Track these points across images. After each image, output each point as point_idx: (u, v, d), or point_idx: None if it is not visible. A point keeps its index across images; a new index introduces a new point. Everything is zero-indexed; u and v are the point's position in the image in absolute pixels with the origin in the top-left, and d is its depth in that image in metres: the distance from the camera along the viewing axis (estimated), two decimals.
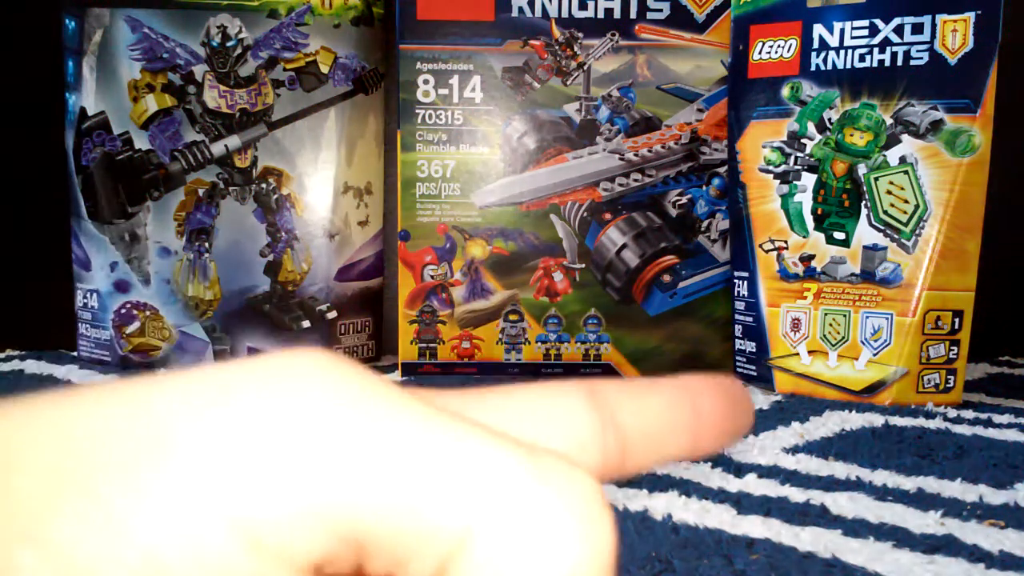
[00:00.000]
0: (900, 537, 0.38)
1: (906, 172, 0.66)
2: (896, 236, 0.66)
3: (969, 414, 0.64)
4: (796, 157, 0.70)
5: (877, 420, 0.61)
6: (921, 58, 0.65)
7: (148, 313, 0.78)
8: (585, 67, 0.76)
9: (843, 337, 0.68)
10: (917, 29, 0.65)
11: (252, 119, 0.77)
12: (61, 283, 0.84)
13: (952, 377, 0.65)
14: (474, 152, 0.76)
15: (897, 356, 0.66)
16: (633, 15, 0.75)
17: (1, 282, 0.90)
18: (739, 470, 0.48)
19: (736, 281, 0.75)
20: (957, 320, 0.65)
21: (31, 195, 0.89)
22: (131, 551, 0.10)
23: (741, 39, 0.72)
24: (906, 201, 0.66)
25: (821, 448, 0.54)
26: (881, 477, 0.48)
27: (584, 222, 0.77)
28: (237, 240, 0.78)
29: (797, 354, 0.70)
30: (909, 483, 0.47)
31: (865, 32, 0.66)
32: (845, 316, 0.68)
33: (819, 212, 0.69)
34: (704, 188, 0.77)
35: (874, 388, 0.67)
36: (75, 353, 0.84)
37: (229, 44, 0.76)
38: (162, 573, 0.10)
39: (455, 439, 0.12)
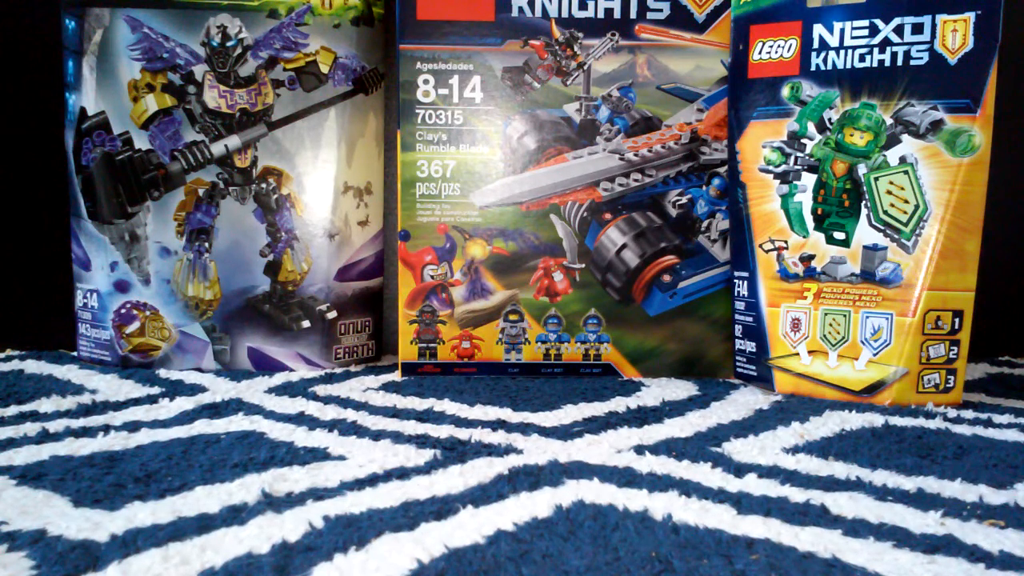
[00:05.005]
0: (900, 537, 0.39)
1: (906, 172, 0.66)
2: (896, 236, 0.66)
3: (969, 414, 0.64)
4: (796, 157, 0.70)
5: (877, 420, 0.61)
6: (921, 58, 0.65)
7: (148, 313, 0.78)
8: (585, 67, 0.76)
9: (843, 337, 0.68)
10: (917, 29, 0.65)
11: (252, 119, 0.77)
12: (61, 283, 0.84)
13: (952, 377, 0.65)
14: (474, 152, 0.76)
15: (897, 356, 0.66)
16: (633, 15, 0.75)
17: (1, 282, 0.90)
18: (739, 470, 0.48)
19: (736, 281, 0.75)
20: (957, 320, 0.65)
21: (31, 195, 0.89)
22: None
23: (741, 39, 0.72)
24: (906, 201, 0.66)
25: (821, 448, 0.54)
26: (881, 477, 0.48)
27: (584, 222, 0.77)
28: (237, 240, 0.78)
29: (797, 354, 0.70)
30: (909, 483, 0.47)
31: (865, 32, 0.66)
32: (845, 316, 0.68)
33: (819, 212, 0.69)
34: (704, 188, 0.77)
35: (874, 388, 0.67)
36: (75, 353, 0.84)
37: (229, 44, 0.76)
38: None
39: None
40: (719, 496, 0.44)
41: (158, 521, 0.40)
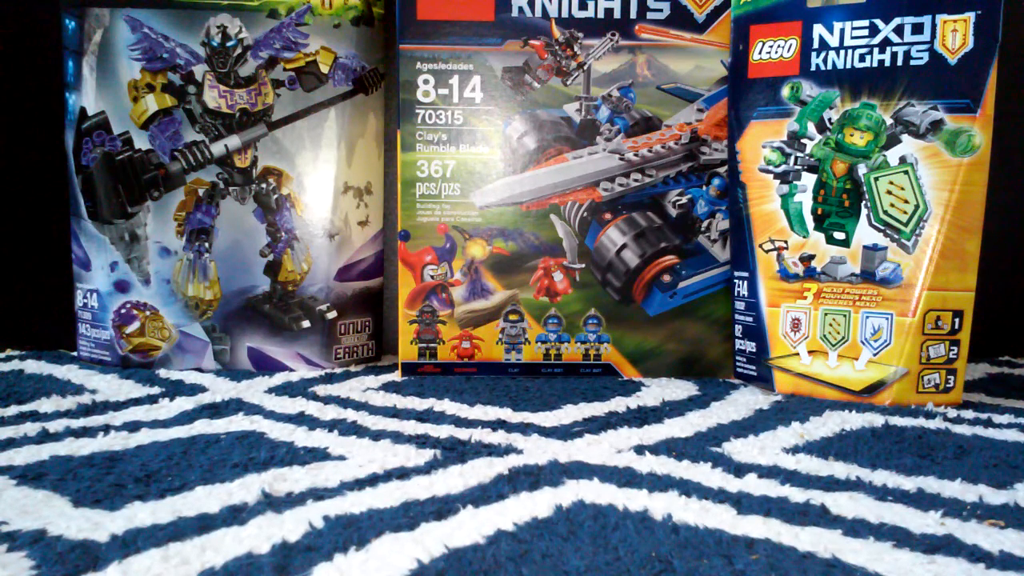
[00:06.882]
0: (900, 537, 0.38)
1: (906, 172, 0.66)
2: (896, 236, 0.66)
3: (969, 414, 0.64)
4: (796, 157, 0.70)
5: (877, 420, 0.61)
6: (921, 58, 0.65)
7: (148, 313, 0.78)
8: (585, 67, 0.76)
9: (843, 337, 0.68)
10: (917, 29, 0.65)
11: (252, 119, 0.77)
12: (61, 283, 0.84)
13: (952, 377, 0.65)
14: (474, 152, 0.76)
15: (897, 356, 0.66)
16: (633, 15, 0.75)
17: (1, 282, 0.90)
18: (739, 470, 0.48)
19: (736, 281, 0.75)
20: (957, 320, 0.65)
21: (31, 195, 0.89)
22: None
23: (741, 39, 0.72)
24: (906, 201, 0.66)
25: (821, 448, 0.54)
26: (881, 477, 0.48)
27: (584, 222, 0.77)
28: (237, 240, 0.78)
29: (797, 354, 0.70)
30: (909, 483, 0.47)
31: (865, 32, 0.66)
32: (845, 316, 0.68)
33: (819, 212, 0.69)
34: (704, 188, 0.77)
35: (874, 388, 0.67)
36: (75, 353, 0.83)
37: (229, 44, 0.76)
38: None
39: None
40: (719, 496, 0.44)
41: (158, 521, 0.40)
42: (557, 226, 0.77)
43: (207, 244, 0.77)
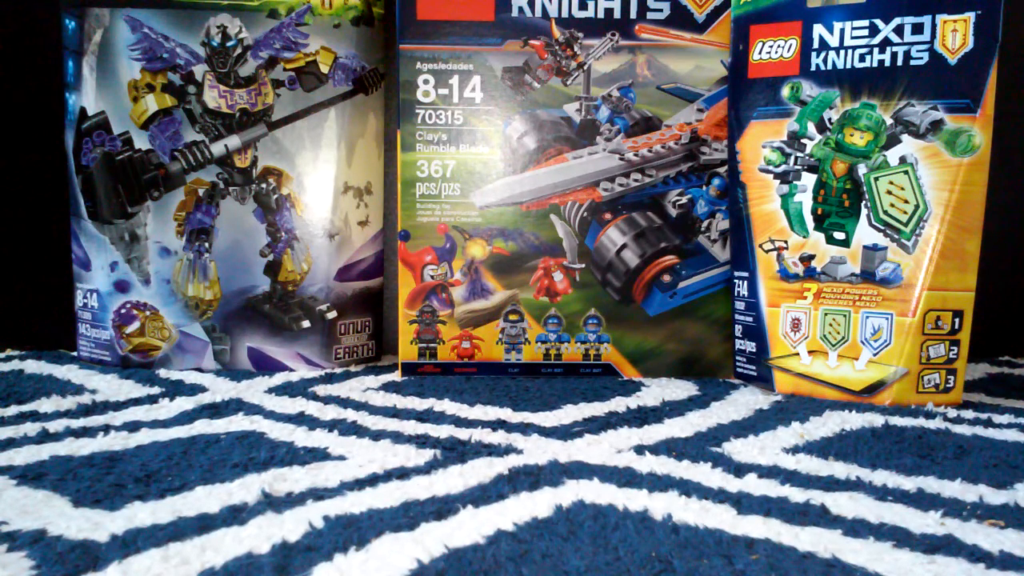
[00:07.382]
0: (900, 537, 0.38)
1: (906, 172, 0.66)
2: (896, 236, 0.66)
3: (969, 414, 0.64)
4: (796, 157, 0.70)
5: (877, 420, 0.61)
6: (921, 58, 0.65)
7: (148, 313, 0.78)
8: (585, 67, 0.76)
9: (843, 337, 0.68)
10: (917, 29, 0.65)
11: (252, 119, 0.77)
12: (61, 283, 0.84)
13: (952, 377, 0.65)
14: (474, 152, 0.76)
15: (897, 356, 0.66)
16: (633, 15, 0.75)
17: (1, 282, 0.90)
18: (739, 470, 0.48)
19: (736, 281, 0.75)
20: (957, 320, 0.65)
21: (31, 195, 0.89)
22: None
23: (741, 39, 0.72)
24: (906, 201, 0.66)
25: (821, 448, 0.54)
26: (881, 477, 0.48)
27: (584, 222, 0.77)
28: (237, 240, 0.78)
29: (797, 354, 0.70)
30: (909, 483, 0.47)
31: (865, 32, 0.66)
32: (845, 316, 0.68)
33: (819, 212, 0.69)
34: (704, 188, 0.77)
35: (874, 388, 0.67)
36: (75, 353, 0.83)
37: (229, 44, 0.76)
38: None
39: None
40: (719, 496, 0.44)
41: (158, 521, 0.40)
42: (557, 226, 0.77)
43: (207, 244, 0.77)
